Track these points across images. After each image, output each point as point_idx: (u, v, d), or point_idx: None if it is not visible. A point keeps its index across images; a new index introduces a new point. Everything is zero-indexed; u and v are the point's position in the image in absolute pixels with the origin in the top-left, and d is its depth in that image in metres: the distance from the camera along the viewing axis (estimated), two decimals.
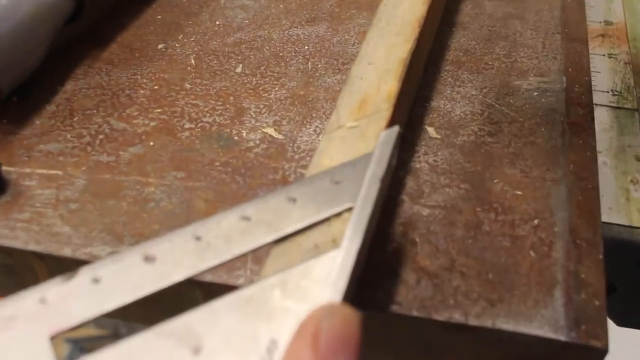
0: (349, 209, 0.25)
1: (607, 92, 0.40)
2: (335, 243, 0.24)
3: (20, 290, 0.32)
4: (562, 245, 0.30)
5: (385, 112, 0.29)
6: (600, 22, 0.46)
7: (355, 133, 0.28)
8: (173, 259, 0.23)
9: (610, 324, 0.39)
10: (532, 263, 0.29)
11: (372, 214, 0.25)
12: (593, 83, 0.40)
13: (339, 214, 0.25)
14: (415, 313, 0.27)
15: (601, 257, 0.30)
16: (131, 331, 0.25)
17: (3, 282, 0.32)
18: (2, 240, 0.30)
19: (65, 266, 0.30)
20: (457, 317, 0.27)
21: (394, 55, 0.33)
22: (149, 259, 0.23)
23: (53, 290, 0.23)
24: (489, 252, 0.29)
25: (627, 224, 0.34)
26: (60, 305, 0.22)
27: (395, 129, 0.27)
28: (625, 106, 0.40)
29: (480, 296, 0.28)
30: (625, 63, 0.43)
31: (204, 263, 0.23)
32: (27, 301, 0.22)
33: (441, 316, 0.27)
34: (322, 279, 0.23)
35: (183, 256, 0.23)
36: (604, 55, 0.43)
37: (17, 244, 0.30)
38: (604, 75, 0.42)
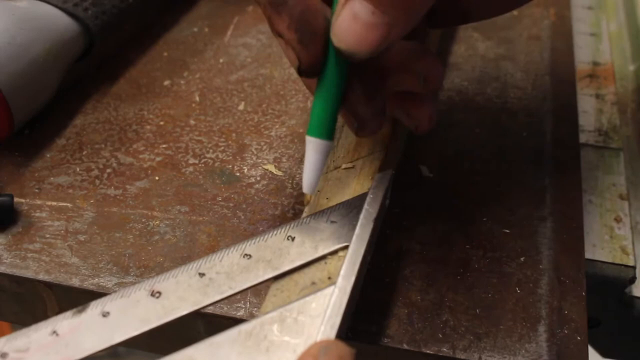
0: (345, 248, 0.27)
1: (594, 131, 0.42)
2: (331, 280, 0.26)
3: (30, 317, 0.33)
4: (546, 282, 0.31)
5: (380, 153, 0.31)
6: (589, 63, 0.48)
7: (351, 174, 0.30)
8: (177, 295, 0.25)
9: (597, 355, 0.41)
10: (518, 299, 0.31)
11: (366, 252, 0.27)
12: (580, 123, 0.42)
13: (334, 252, 0.27)
14: (405, 346, 0.29)
15: (584, 294, 0.31)
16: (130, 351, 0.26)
17: (14, 310, 0.33)
18: (13, 270, 0.31)
19: (73, 296, 0.31)
20: (445, 350, 0.29)
21: None
22: (154, 294, 0.25)
23: (64, 323, 0.24)
24: (477, 288, 0.31)
25: (610, 261, 0.35)
26: (71, 338, 0.24)
27: (389, 171, 0.29)
28: (611, 146, 0.41)
29: (468, 330, 0.29)
30: (612, 103, 0.44)
31: (207, 298, 0.25)
32: (39, 333, 0.24)
33: (430, 349, 0.29)
34: (319, 314, 0.24)
35: (187, 292, 0.25)
36: (591, 95, 0.45)
37: (28, 273, 0.31)
38: (591, 115, 0.43)
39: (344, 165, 0.31)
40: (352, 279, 0.25)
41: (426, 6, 0.26)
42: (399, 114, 0.31)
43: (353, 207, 0.28)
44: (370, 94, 0.28)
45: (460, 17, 0.32)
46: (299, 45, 0.26)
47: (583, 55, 0.49)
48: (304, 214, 0.29)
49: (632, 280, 0.35)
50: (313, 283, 0.26)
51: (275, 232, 0.27)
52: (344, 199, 0.28)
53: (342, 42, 0.25)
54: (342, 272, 0.25)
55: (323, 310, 0.24)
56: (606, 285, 0.35)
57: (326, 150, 0.27)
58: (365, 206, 0.28)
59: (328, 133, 0.27)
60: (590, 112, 0.44)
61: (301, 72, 0.27)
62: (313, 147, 0.27)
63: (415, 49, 0.29)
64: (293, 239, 0.27)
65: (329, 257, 0.26)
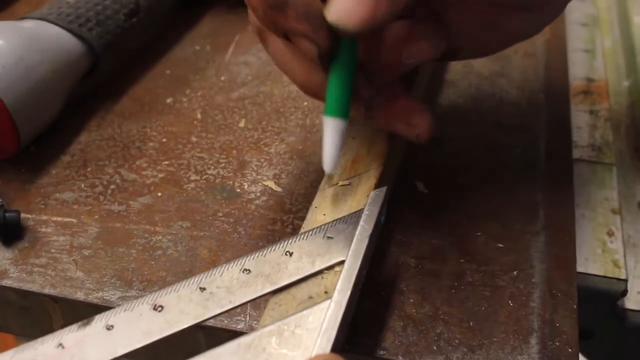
0: (341, 263, 0.28)
1: (587, 147, 0.43)
2: (327, 294, 0.27)
3: (36, 330, 0.34)
4: (539, 295, 0.32)
5: (375, 170, 0.32)
6: (583, 79, 0.49)
7: (347, 191, 0.31)
8: (179, 308, 0.26)
9: None
10: (511, 312, 0.31)
11: (361, 267, 0.28)
12: (574, 138, 0.43)
13: (331, 267, 0.28)
14: (401, 358, 0.29)
15: (575, 306, 0.32)
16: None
17: (20, 323, 0.34)
18: (20, 284, 0.32)
19: (78, 309, 0.32)
20: None
21: None
22: (157, 308, 0.26)
23: (70, 336, 0.25)
24: (470, 301, 0.32)
25: (602, 274, 0.36)
26: (76, 350, 0.25)
27: (384, 189, 0.30)
28: (604, 161, 0.42)
29: (461, 342, 0.30)
30: (605, 119, 0.45)
31: (208, 312, 0.26)
32: (46, 346, 0.25)
33: None
34: (315, 327, 0.25)
35: (188, 306, 0.26)
36: (585, 111, 0.46)
37: (34, 287, 0.32)
38: (585, 131, 0.44)
39: (340, 183, 0.32)
40: (348, 293, 0.26)
41: None
42: (399, 126, 0.32)
43: (349, 223, 0.29)
44: (369, 79, 0.31)
45: (450, 55, 0.34)
46: (313, 33, 0.28)
47: (577, 71, 0.50)
48: (302, 230, 0.30)
49: (624, 293, 0.36)
50: (310, 297, 0.26)
51: (273, 248, 0.28)
52: (340, 216, 0.29)
53: (334, 17, 0.27)
54: (338, 287, 0.26)
55: (320, 323, 0.25)
56: (599, 297, 0.36)
57: (343, 128, 0.29)
58: (361, 222, 0.29)
59: (344, 111, 0.29)
60: (584, 127, 0.45)
61: (322, 57, 0.28)
62: (332, 126, 0.29)
63: (418, 106, 0.32)
64: (291, 254, 0.28)
65: (326, 272, 0.27)
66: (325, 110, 0.29)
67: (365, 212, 0.29)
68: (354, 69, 0.29)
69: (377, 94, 0.32)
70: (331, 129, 0.29)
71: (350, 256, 0.27)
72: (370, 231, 0.28)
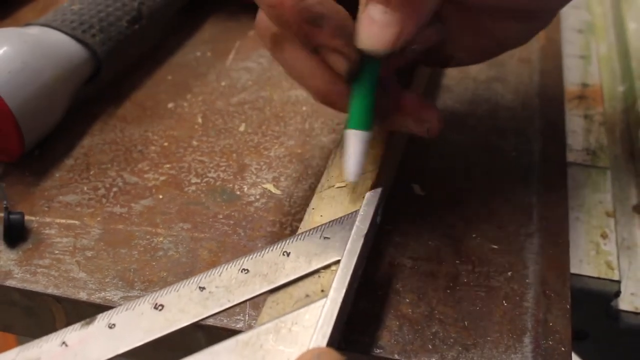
0: (337, 262, 0.28)
1: (582, 150, 0.44)
2: (324, 293, 0.27)
3: (39, 329, 0.35)
4: (532, 295, 0.33)
5: (371, 173, 0.33)
6: (578, 85, 0.49)
7: (344, 192, 0.32)
8: (179, 307, 0.26)
9: None
10: (505, 312, 0.32)
11: (357, 266, 0.28)
12: (569, 142, 0.44)
13: (327, 267, 0.28)
14: (396, 356, 0.30)
15: (569, 306, 0.33)
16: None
17: (24, 323, 0.35)
18: (24, 284, 0.33)
19: (81, 309, 0.33)
20: None
21: None
22: (158, 307, 0.26)
23: (73, 334, 0.26)
24: (465, 301, 0.32)
25: (596, 275, 0.36)
26: (79, 348, 0.25)
27: (379, 190, 0.31)
28: (599, 164, 0.43)
29: (456, 342, 0.31)
30: (600, 123, 0.46)
31: (207, 311, 0.26)
32: (50, 344, 0.25)
33: (420, 359, 0.30)
34: (312, 325, 0.26)
35: (188, 305, 0.27)
36: (580, 116, 0.47)
37: (38, 287, 0.33)
38: (579, 135, 0.45)
39: (337, 184, 0.32)
40: (343, 291, 0.27)
41: (433, 4, 0.29)
42: (408, 123, 0.33)
43: (345, 223, 0.29)
44: (383, 88, 0.32)
45: (443, 61, 0.35)
46: (347, 49, 0.29)
47: (572, 77, 0.50)
48: (299, 230, 0.30)
49: (617, 294, 0.36)
50: (307, 295, 0.27)
51: (271, 248, 0.28)
52: (337, 216, 0.30)
53: (364, 44, 0.29)
54: (333, 285, 0.27)
55: (316, 320, 0.26)
56: (593, 299, 0.37)
57: (367, 140, 0.31)
58: (357, 223, 0.29)
59: (368, 124, 0.31)
60: (579, 132, 0.45)
61: (352, 73, 0.30)
62: (356, 138, 0.30)
63: (425, 101, 0.33)
64: (288, 254, 0.28)
65: (322, 271, 0.28)
66: (349, 124, 0.31)
67: (361, 212, 0.30)
68: (376, 83, 0.31)
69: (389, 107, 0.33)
70: (357, 141, 0.30)
71: (346, 255, 0.28)
72: (365, 231, 0.29)
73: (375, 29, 0.28)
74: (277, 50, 0.33)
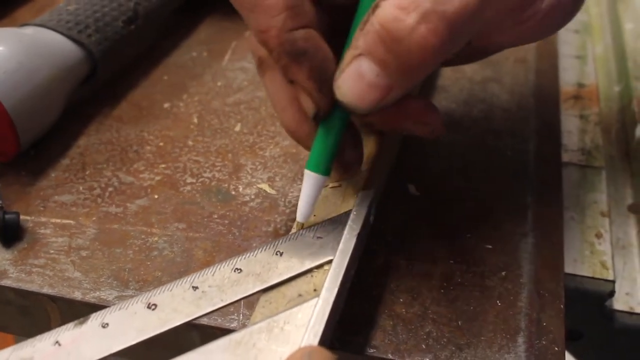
0: (330, 261, 0.28)
1: (577, 150, 0.44)
2: (316, 292, 0.27)
3: (34, 329, 0.35)
4: (526, 295, 0.33)
5: (364, 173, 0.33)
6: (574, 85, 0.50)
7: (337, 193, 0.32)
8: (172, 307, 0.26)
9: None
10: (499, 312, 0.32)
11: (349, 266, 0.28)
12: (564, 142, 0.44)
13: (320, 266, 0.28)
14: (390, 356, 0.30)
15: (562, 306, 0.33)
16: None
17: (19, 322, 0.35)
18: (19, 284, 0.33)
19: (76, 308, 0.33)
20: None
21: None
22: (151, 306, 0.26)
23: (67, 334, 0.26)
24: (459, 301, 0.32)
25: (590, 275, 0.37)
26: (73, 347, 0.25)
27: (372, 190, 0.31)
28: (594, 164, 0.43)
29: (450, 341, 0.31)
30: (595, 124, 0.46)
31: (200, 310, 0.27)
32: (43, 343, 0.26)
33: (414, 359, 0.30)
34: (304, 324, 0.26)
35: (181, 304, 0.27)
36: (575, 116, 0.47)
37: (33, 287, 0.33)
38: (575, 135, 0.45)
39: (330, 185, 0.32)
40: (335, 290, 0.27)
41: (427, 73, 0.28)
42: (412, 125, 0.32)
43: (338, 223, 0.30)
44: (356, 142, 0.31)
45: (468, 58, 0.35)
46: (318, 94, 0.28)
47: (568, 77, 0.50)
48: (292, 231, 0.30)
49: (612, 294, 0.36)
50: (300, 295, 0.27)
51: (264, 248, 0.29)
52: (330, 216, 0.30)
53: (345, 97, 0.27)
54: (325, 284, 0.27)
55: (308, 320, 0.26)
56: (587, 298, 0.37)
57: (322, 184, 0.30)
58: (349, 222, 0.29)
59: (326, 169, 0.30)
60: (574, 132, 0.45)
61: (318, 117, 0.29)
62: (311, 180, 0.29)
63: (428, 105, 0.32)
64: (281, 253, 0.28)
65: (315, 270, 0.28)
66: (307, 164, 0.30)
67: (354, 212, 0.30)
68: (343, 132, 0.30)
69: (357, 160, 0.32)
70: (310, 183, 0.29)
71: (339, 255, 0.28)
72: (358, 231, 0.29)
73: (361, 86, 0.27)
74: (260, 72, 0.32)
